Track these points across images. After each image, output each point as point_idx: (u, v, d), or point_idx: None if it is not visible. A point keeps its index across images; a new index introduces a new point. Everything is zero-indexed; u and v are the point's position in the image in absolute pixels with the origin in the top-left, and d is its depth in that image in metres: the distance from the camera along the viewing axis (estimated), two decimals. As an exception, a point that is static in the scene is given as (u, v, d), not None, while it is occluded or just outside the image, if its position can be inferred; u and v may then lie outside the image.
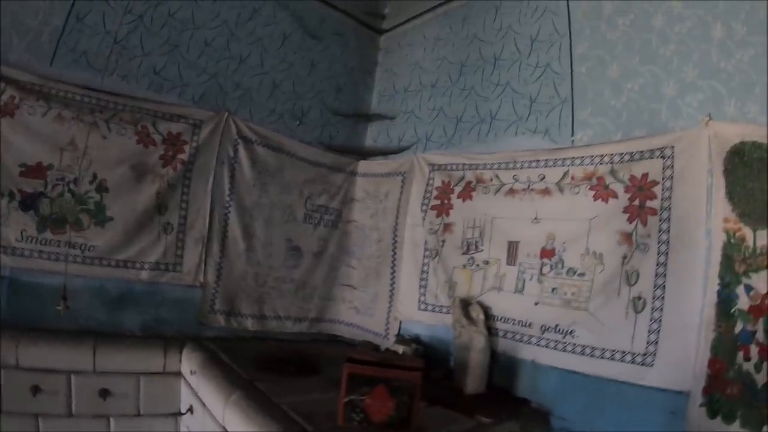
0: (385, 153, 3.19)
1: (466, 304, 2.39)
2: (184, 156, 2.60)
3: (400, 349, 2.50)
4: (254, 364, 2.31)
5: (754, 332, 1.74)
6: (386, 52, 3.50)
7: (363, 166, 3.30)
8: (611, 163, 2.18)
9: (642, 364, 1.98)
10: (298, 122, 3.03)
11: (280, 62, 2.97)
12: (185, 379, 2.40)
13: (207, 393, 2.15)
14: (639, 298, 2.02)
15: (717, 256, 1.86)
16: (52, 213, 2.30)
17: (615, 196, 2.15)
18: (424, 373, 1.78)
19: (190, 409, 2.29)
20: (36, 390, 2.13)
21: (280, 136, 2.95)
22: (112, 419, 2.34)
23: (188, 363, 2.40)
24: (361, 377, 1.72)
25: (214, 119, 2.71)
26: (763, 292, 1.74)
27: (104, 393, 2.27)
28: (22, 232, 2.24)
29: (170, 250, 2.58)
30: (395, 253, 2.93)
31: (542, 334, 2.28)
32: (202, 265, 2.67)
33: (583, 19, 2.42)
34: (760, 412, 1.68)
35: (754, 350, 1.73)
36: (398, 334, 2.78)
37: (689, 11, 2.09)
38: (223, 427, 1.93)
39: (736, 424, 1.73)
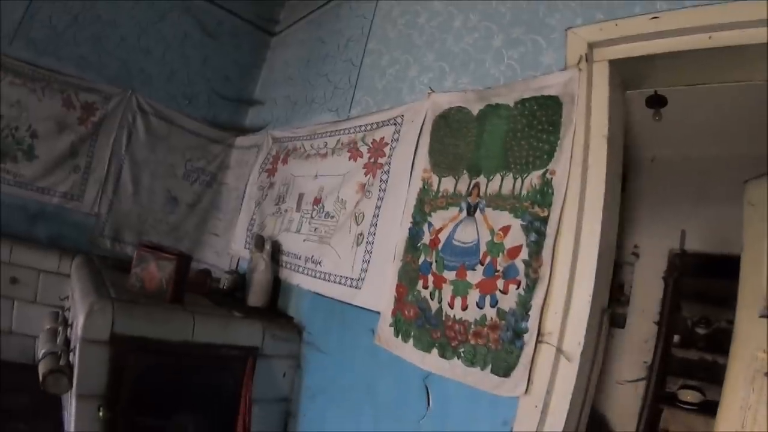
0: (253, 131, 4.08)
1: (261, 238, 3.03)
2: (95, 119, 3.71)
3: (226, 277, 3.18)
4: (111, 266, 3.09)
5: (431, 263, 2.05)
6: (273, 50, 4.49)
7: (239, 140, 4.26)
8: (364, 131, 2.76)
9: (355, 288, 2.41)
10: (188, 101, 4.08)
11: (180, 56, 4.12)
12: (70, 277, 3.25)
13: (74, 279, 2.91)
14: (360, 234, 2.50)
15: (413, 200, 2.24)
16: None
17: (361, 156, 2.71)
18: (183, 262, 2.40)
19: (67, 297, 3.09)
20: None
21: (171, 111, 4.01)
22: (16, 301, 3.25)
23: (73, 266, 3.25)
24: (143, 257, 2.42)
25: (120, 94, 3.81)
26: (438, 228, 2.08)
27: (14, 280, 3.21)
28: None
29: (76, 185, 3.66)
30: (241, 207, 3.72)
31: (305, 264, 2.84)
32: (98, 200, 3.72)
33: (379, 22, 3.08)
34: (430, 335, 1.95)
35: (430, 279, 2.03)
36: (233, 269, 3.46)
37: (445, 9, 2.58)
38: (72, 295, 2.66)
39: (411, 343, 2.02)
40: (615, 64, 1.81)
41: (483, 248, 1.88)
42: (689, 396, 3.72)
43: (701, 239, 3.96)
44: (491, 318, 1.77)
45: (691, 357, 3.89)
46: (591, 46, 1.82)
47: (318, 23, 3.80)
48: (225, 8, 4.26)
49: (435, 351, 1.92)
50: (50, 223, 3.58)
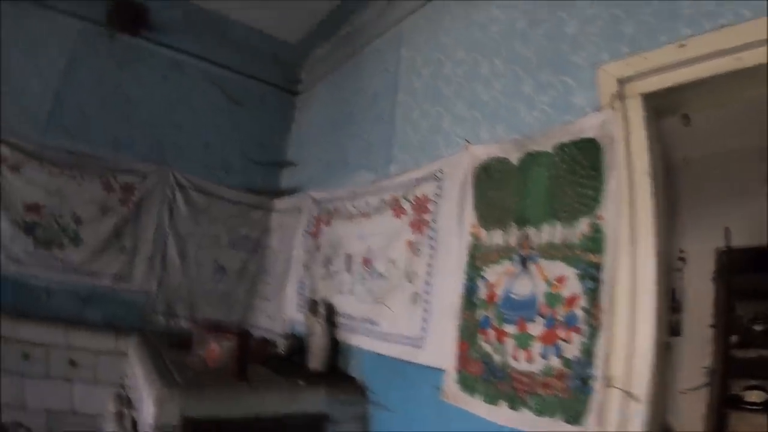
0: (290, 193, 4.38)
1: (314, 303, 3.25)
2: (135, 199, 3.99)
3: (282, 342, 3.44)
4: (169, 343, 3.32)
5: (490, 318, 2.15)
6: (299, 111, 4.76)
7: (277, 203, 4.52)
8: (405, 188, 2.91)
9: (417, 347, 2.52)
10: (224, 171, 4.37)
11: (210, 127, 4.40)
12: (129, 357, 3.52)
13: (133, 360, 3.21)
14: (415, 293, 2.62)
15: (464, 256, 2.35)
16: (44, 236, 3.71)
17: (405, 213, 2.86)
18: (245, 340, 2.66)
19: (127, 375, 3.38)
20: (25, 356, 3.40)
21: (208, 182, 4.30)
22: (76, 383, 3.52)
23: (130, 345, 3.53)
24: (203, 337, 2.68)
25: (157, 172, 4.10)
26: (493, 282, 2.18)
27: (72, 363, 3.50)
28: (24, 249, 3.65)
29: (124, 265, 3.93)
30: (289, 271, 3.97)
31: (362, 324, 2.99)
32: (147, 277, 3.99)
33: (404, 74, 3.29)
34: (497, 388, 2.04)
35: (491, 333, 2.13)
36: (288, 332, 3.68)
37: (469, 56, 2.74)
38: (135, 376, 2.93)
39: (478, 397, 2.11)
40: (647, 98, 1.92)
41: (541, 300, 1.99)
42: (754, 396, 3.81)
43: (747, 234, 4.03)
44: (557, 367, 1.86)
45: (751, 356, 3.95)
46: (621, 82, 1.93)
47: (341, 79, 4.05)
48: (247, 74, 4.59)
49: (503, 403, 2.01)
50: (103, 305, 3.86)
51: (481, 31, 2.75)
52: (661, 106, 2.03)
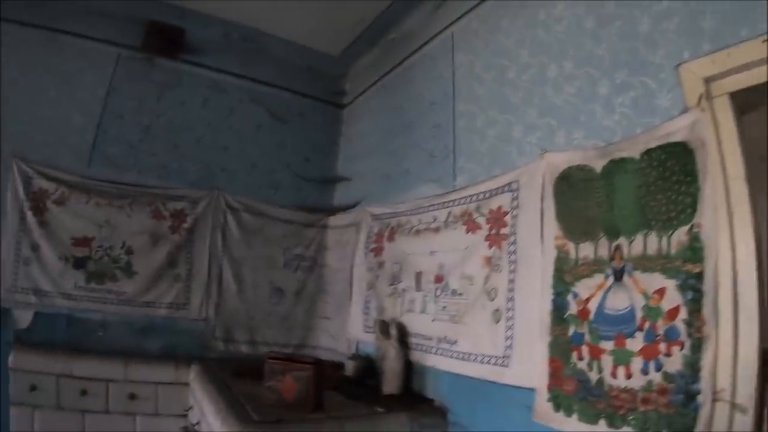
0: (345, 209, 4.45)
1: (385, 324, 3.31)
2: (186, 225, 4.08)
3: (350, 363, 3.50)
4: (233, 372, 3.41)
5: (583, 334, 2.15)
6: (347, 123, 4.85)
7: (332, 220, 4.61)
8: (477, 201, 2.92)
9: (502, 366, 2.54)
10: (274, 191, 4.45)
11: (256, 147, 4.49)
12: (191, 386, 3.61)
13: (197, 392, 3.29)
14: (497, 310, 2.63)
15: (550, 270, 2.34)
16: (95, 270, 3.82)
17: (480, 227, 2.87)
18: (320, 369, 2.66)
19: (191, 407, 3.46)
20: (83, 392, 3.49)
21: (259, 203, 4.39)
22: (137, 416, 3.61)
23: (192, 375, 3.61)
24: (276, 370, 2.67)
25: (207, 196, 4.20)
26: (585, 297, 2.18)
27: (132, 396, 3.57)
28: (75, 284, 3.77)
29: (180, 294, 4.02)
30: (351, 289, 4.04)
31: (438, 344, 3.03)
32: (204, 304, 4.10)
33: (462, 80, 3.31)
34: (594, 406, 2.04)
35: (585, 350, 2.13)
36: (355, 353, 3.78)
37: (534, 58, 2.73)
38: (201, 409, 3.02)
39: (575, 417, 2.12)
40: (733, 96, 1.91)
41: (639, 314, 2.00)
42: None
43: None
44: (658, 383, 1.88)
45: None
46: (707, 81, 1.92)
47: (391, 89, 4.10)
48: (289, 89, 4.69)
49: (602, 422, 2.02)
50: (160, 335, 3.96)
51: (545, 31, 2.74)
52: (743, 104, 2.01)
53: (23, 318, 3.71)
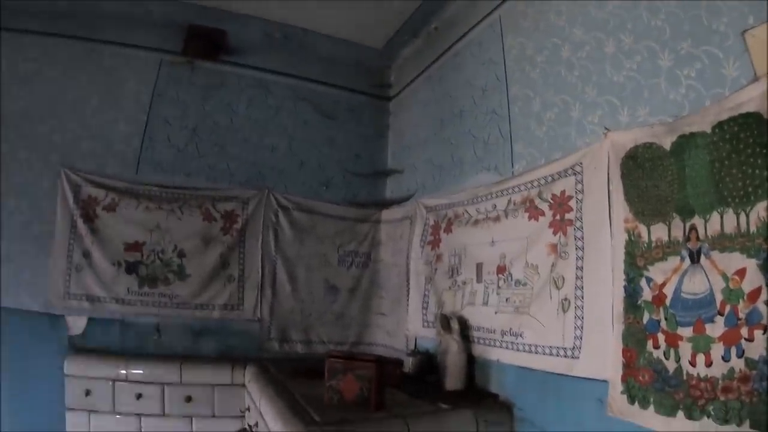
0: (398, 202, 4.47)
1: (446, 318, 3.29)
2: (237, 226, 4.16)
3: (409, 360, 3.53)
4: (290, 373, 3.46)
5: (659, 321, 2.10)
6: (395, 115, 4.85)
7: (385, 214, 4.63)
8: (538, 186, 2.87)
9: (571, 357, 2.49)
10: (324, 187, 4.51)
11: (305, 144, 4.56)
12: (247, 388, 3.67)
13: (255, 393, 3.33)
14: (565, 299, 2.59)
15: (620, 254, 2.28)
16: (147, 274, 3.93)
17: (543, 214, 2.82)
18: (382, 367, 2.67)
19: (248, 408, 3.52)
20: (139, 396, 3.59)
21: (310, 201, 4.46)
22: (194, 419, 3.70)
23: (248, 376, 3.68)
24: (337, 369, 2.69)
25: (257, 196, 4.28)
26: (660, 282, 2.13)
27: (188, 399, 3.66)
28: (128, 289, 3.88)
29: (234, 295, 4.10)
30: (408, 284, 4.04)
31: (502, 337, 3.00)
32: (258, 305, 4.18)
33: (513, 64, 3.27)
34: (672, 397, 1.99)
35: (661, 338, 2.08)
36: (414, 349, 3.77)
37: (589, 35, 2.69)
38: (260, 411, 3.02)
39: (651, 409, 2.07)
40: None
41: (719, 297, 1.94)
42: None
43: None
44: (740, 370, 1.82)
45: None
46: None
47: (439, 78, 4.09)
48: (335, 85, 4.77)
49: (680, 414, 1.96)
50: (215, 337, 4.05)
51: (597, 7, 2.69)
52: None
53: (77, 324, 3.85)
